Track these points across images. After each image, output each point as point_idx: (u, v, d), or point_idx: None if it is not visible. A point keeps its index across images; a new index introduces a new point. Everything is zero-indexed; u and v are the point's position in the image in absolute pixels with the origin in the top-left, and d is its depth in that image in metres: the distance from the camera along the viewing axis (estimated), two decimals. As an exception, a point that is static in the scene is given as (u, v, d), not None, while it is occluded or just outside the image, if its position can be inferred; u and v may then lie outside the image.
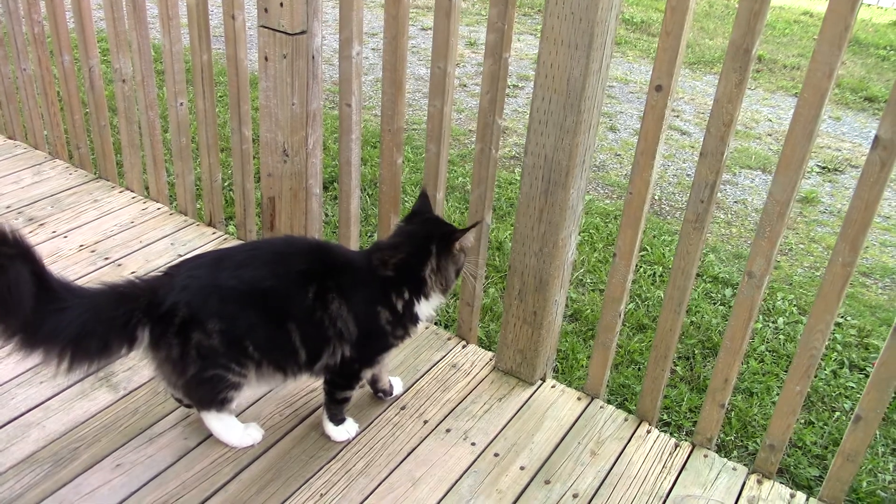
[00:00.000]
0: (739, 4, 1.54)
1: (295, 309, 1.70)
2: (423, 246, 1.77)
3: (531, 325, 2.07)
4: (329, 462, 1.87)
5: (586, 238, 3.74)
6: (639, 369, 2.86)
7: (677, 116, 5.86)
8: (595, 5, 1.64)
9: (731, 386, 1.90)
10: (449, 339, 2.32)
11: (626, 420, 2.07)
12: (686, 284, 1.84)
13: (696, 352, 3.00)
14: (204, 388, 1.76)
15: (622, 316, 2.01)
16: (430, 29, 6.96)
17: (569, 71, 1.73)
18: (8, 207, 2.84)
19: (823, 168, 4.97)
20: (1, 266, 1.46)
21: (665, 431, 2.07)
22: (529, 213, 1.93)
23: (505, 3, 1.85)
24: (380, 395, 2.05)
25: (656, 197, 4.60)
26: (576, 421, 2.05)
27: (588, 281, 3.43)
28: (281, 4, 2.05)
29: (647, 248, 3.78)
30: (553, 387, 2.16)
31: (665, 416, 2.57)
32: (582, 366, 2.86)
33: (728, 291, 3.50)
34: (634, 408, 2.55)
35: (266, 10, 2.10)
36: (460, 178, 4.24)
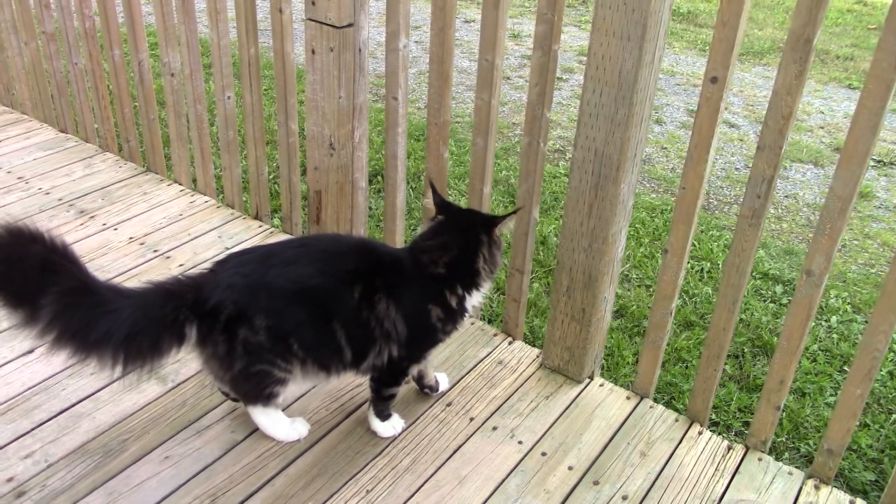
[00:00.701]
0: (802, -7, 1.48)
1: (341, 308, 1.69)
2: (473, 239, 1.75)
3: (579, 323, 2.04)
4: (375, 458, 1.86)
5: (632, 233, 3.68)
6: (686, 367, 2.81)
7: (726, 109, 5.73)
8: (649, -5, 1.59)
9: (787, 387, 1.84)
10: (495, 335, 2.29)
11: (676, 421, 2.02)
12: (741, 282, 1.79)
13: (746, 350, 2.93)
14: (250, 382, 1.76)
15: (672, 314, 1.96)
16: (473, 21, 6.93)
17: (621, 63, 1.68)
18: (60, 200, 2.89)
19: (878, 162, 4.82)
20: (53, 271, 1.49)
21: (714, 431, 2.02)
22: (578, 209, 1.90)
23: (555, -6, 1.82)
24: (426, 391, 2.04)
25: (704, 191, 4.51)
26: (625, 421, 2.01)
27: (634, 276, 3.37)
28: (328, -3, 2.04)
29: (695, 243, 3.70)
30: (601, 385, 2.12)
31: (713, 416, 2.51)
32: (627, 363, 2.81)
33: (779, 288, 3.41)
34: (682, 406, 2.51)
35: (313, 3, 2.09)
36: (504, 172, 4.20)
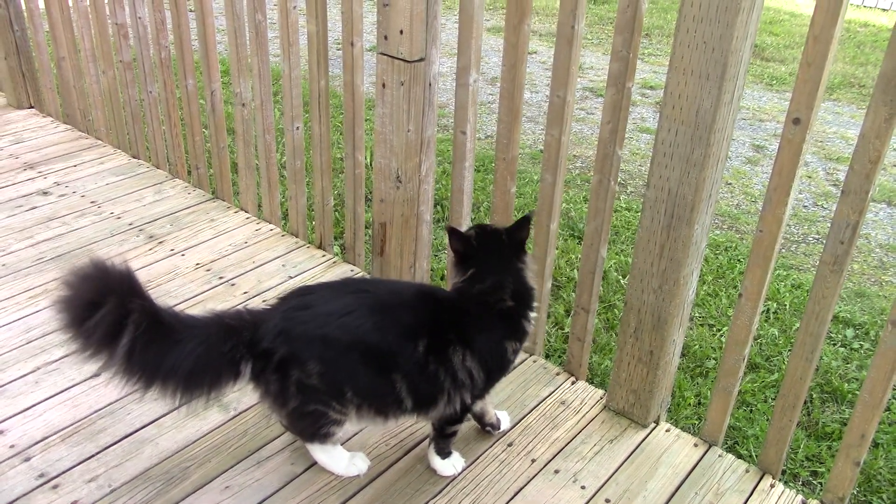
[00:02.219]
0: (893, 32, 1.43)
1: (402, 362, 1.66)
2: (515, 263, 1.77)
3: (646, 365, 1.98)
4: (434, 497, 1.82)
5: (697, 271, 3.59)
6: (750, 411, 2.72)
7: (793, 144, 5.60)
8: (730, 35, 1.56)
9: (868, 442, 1.75)
10: (557, 374, 2.25)
11: (747, 472, 1.94)
12: (821, 331, 1.71)
13: (815, 395, 2.82)
14: (305, 421, 1.76)
15: (746, 360, 1.89)
16: (534, 53, 6.93)
17: (698, 102, 1.65)
18: (130, 225, 2.96)
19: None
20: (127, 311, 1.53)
21: (780, 480, 1.93)
22: (649, 249, 1.85)
23: (630, 31, 1.79)
24: (487, 429, 2.01)
25: (782, 234, 4.39)
26: (692, 469, 1.94)
27: (696, 315, 3.29)
28: (401, 32, 2.05)
29: (762, 283, 3.60)
30: (668, 430, 2.06)
31: (784, 466, 2.42)
32: (689, 404, 2.73)
33: (850, 332, 3.29)
34: (746, 452, 2.42)
35: (386, 38, 2.10)
36: (563, 204, 4.17)
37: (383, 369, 1.66)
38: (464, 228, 2.33)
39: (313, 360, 1.64)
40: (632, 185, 4.71)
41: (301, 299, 1.72)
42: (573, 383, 2.22)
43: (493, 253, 1.77)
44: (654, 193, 1.79)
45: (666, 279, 1.85)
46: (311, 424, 1.76)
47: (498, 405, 2.10)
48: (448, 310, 1.75)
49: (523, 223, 1.76)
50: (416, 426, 2.02)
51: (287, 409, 1.72)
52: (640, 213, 4.36)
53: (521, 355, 2.31)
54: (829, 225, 4.31)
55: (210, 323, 1.67)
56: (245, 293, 2.56)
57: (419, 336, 1.66)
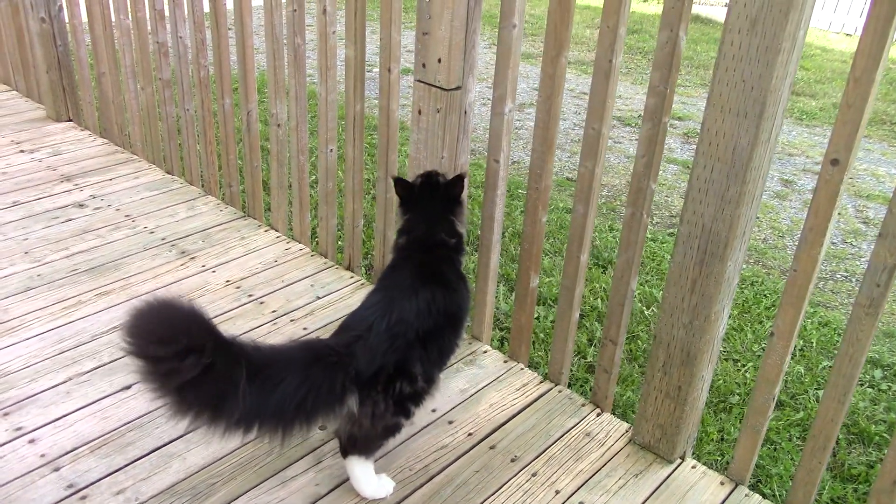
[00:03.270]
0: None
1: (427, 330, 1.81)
2: (447, 210, 2.02)
3: (674, 401, 1.97)
4: (458, 525, 1.82)
5: (724, 305, 3.57)
6: (774, 449, 2.68)
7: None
8: (769, 74, 1.57)
9: (900, 488, 1.73)
10: (583, 405, 2.24)
11: (774, 512, 1.92)
12: (854, 373, 1.70)
13: (841, 436, 2.78)
14: (385, 436, 1.82)
15: (776, 399, 1.88)
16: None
17: (735, 140, 1.65)
18: (163, 240, 3.00)
19: None
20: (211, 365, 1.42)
21: (815, 527, 1.91)
22: (681, 284, 1.85)
23: (669, 67, 1.81)
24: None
25: (816, 275, 4.36)
26: (718, 508, 1.92)
27: (721, 349, 3.26)
28: (439, 60, 2.08)
29: (789, 319, 3.57)
30: (693, 467, 2.04)
31: (810, 508, 2.38)
32: (712, 439, 2.70)
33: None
34: (769, 491, 2.39)
35: (424, 66, 2.13)
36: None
37: (427, 343, 1.80)
38: (494, 256, 2.35)
39: (416, 363, 1.75)
40: (658, 216, 4.70)
41: (385, 317, 1.74)
42: (598, 415, 2.21)
43: (430, 202, 2.02)
44: (687, 229, 1.80)
45: (697, 315, 1.85)
46: (384, 438, 1.83)
47: (522, 433, 2.10)
48: (427, 264, 1.93)
49: (458, 180, 2.00)
50: (439, 452, 2.03)
51: (382, 425, 1.76)
52: (664, 244, 4.35)
53: (546, 385, 2.31)
54: (857, 263, 4.28)
55: (305, 359, 1.64)
56: (273, 311, 2.59)
57: (421, 294, 1.82)
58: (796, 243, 4.54)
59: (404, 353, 1.72)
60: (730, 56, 1.60)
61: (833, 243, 4.42)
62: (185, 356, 1.38)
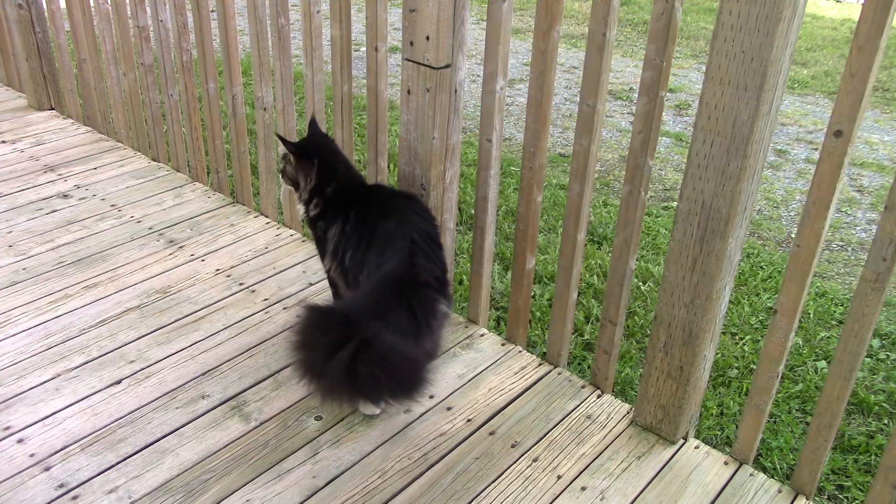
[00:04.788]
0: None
1: None
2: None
3: (676, 381, 1.93)
4: (459, 514, 1.79)
5: (721, 279, 3.54)
6: (774, 422, 2.66)
7: (816, 150, 5.53)
8: (770, 44, 1.51)
9: (908, 464, 1.70)
10: (583, 387, 2.21)
11: (779, 492, 1.89)
12: (859, 350, 1.66)
13: (843, 409, 2.76)
14: None
15: (780, 377, 1.84)
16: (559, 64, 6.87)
17: (735, 113, 1.60)
18: (150, 229, 2.94)
19: None
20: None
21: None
22: (681, 262, 1.81)
23: (665, 40, 1.75)
24: None
25: (792, 235, 4.33)
26: (723, 488, 1.89)
27: (723, 326, 3.23)
28: (427, 38, 2.02)
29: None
30: (697, 447, 2.01)
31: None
32: (712, 414, 2.68)
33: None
34: (770, 464, 2.37)
35: (412, 44, 2.07)
36: (586, 211, 4.12)
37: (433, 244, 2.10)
38: (489, 237, 2.30)
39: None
40: (652, 190, 4.66)
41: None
42: (599, 396, 2.17)
43: (333, 152, 2.20)
44: (686, 206, 1.75)
45: (698, 293, 1.81)
46: None
47: (522, 418, 2.07)
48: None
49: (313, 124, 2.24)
50: (438, 440, 1.99)
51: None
52: (658, 218, 4.30)
53: (545, 367, 2.27)
54: (852, 232, 4.22)
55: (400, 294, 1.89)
56: (265, 300, 2.54)
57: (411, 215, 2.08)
58: (791, 214, 4.54)
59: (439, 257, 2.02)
60: (728, 26, 1.55)
61: (837, 217, 4.38)
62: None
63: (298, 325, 1.79)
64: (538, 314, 3.15)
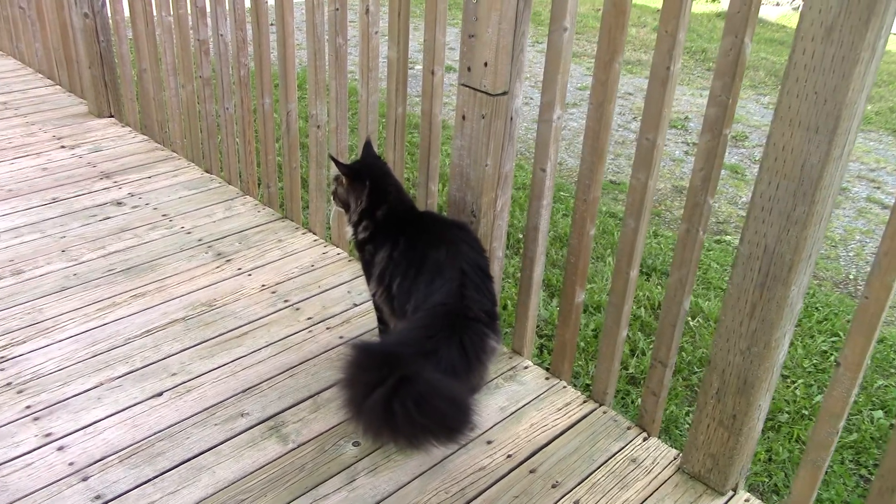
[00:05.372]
0: None
1: None
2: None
3: (728, 430, 1.86)
4: (495, 555, 1.74)
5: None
6: (826, 473, 2.55)
7: (878, 188, 5.37)
8: (845, 86, 1.44)
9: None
10: (628, 428, 2.13)
11: (834, 553, 1.80)
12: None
13: None
14: None
15: (839, 433, 1.76)
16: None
17: (805, 156, 1.53)
18: (200, 241, 2.96)
19: None
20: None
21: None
22: (739, 307, 1.74)
23: (732, 76, 1.69)
24: None
25: (851, 276, 4.19)
26: (773, 546, 1.80)
27: (775, 368, 3.12)
28: (485, 64, 1.99)
29: (839, 333, 3.42)
30: (747, 501, 1.92)
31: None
32: (759, 460, 2.60)
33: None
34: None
35: (469, 69, 2.04)
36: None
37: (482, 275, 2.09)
38: (538, 268, 2.25)
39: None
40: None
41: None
42: (645, 440, 2.10)
43: (384, 174, 2.18)
44: (747, 249, 1.68)
45: (756, 341, 1.73)
46: None
47: (564, 457, 2.01)
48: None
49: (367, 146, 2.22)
50: (477, 475, 1.94)
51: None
52: (710, 252, 4.19)
53: (590, 405, 2.21)
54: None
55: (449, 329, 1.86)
56: (309, 318, 2.52)
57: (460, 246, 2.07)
58: (850, 254, 4.39)
59: (489, 289, 2.00)
60: (801, 66, 1.48)
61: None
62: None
63: (344, 362, 1.77)
64: (582, 345, 3.08)
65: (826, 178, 1.54)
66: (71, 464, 1.91)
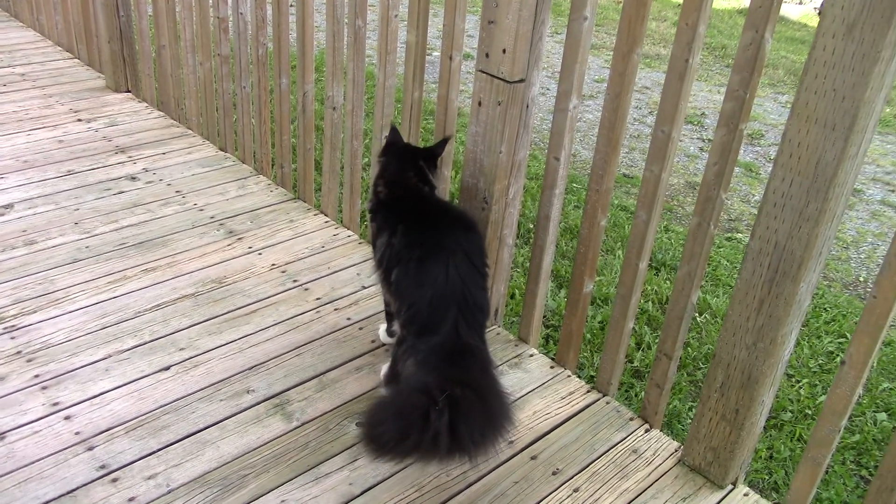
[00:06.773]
0: None
1: None
2: (418, 160, 2.11)
3: (730, 424, 1.86)
4: (494, 538, 1.75)
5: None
6: (826, 472, 2.56)
7: (893, 191, 5.33)
8: (864, 84, 1.44)
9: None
10: (631, 419, 2.14)
11: (831, 551, 1.80)
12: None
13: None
14: None
15: (841, 431, 1.76)
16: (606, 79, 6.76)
17: (820, 153, 1.53)
18: (212, 218, 2.97)
19: None
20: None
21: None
22: (747, 302, 1.74)
23: (750, 71, 1.68)
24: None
25: (861, 279, 4.17)
26: (771, 541, 1.81)
27: (781, 367, 3.12)
28: (504, 51, 1.99)
29: (846, 335, 3.41)
30: (746, 495, 1.93)
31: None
32: (760, 457, 2.61)
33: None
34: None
35: (487, 56, 2.04)
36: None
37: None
38: (547, 257, 2.26)
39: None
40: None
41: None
42: (647, 431, 2.11)
43: (404, 152, 2.14)
44: (758, 245, 1.68)
45: (762, 336, 1.73)
46: None
47: (565, 445, 2.02)
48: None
49: (443, 143, 2.15)
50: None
51: None
52: (720, 248, 4.18)
53: (594, 395, 2.22)
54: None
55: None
56: (318, 299, 2.54)
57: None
58: (861, 256, 4.37)
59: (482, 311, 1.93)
60: (821, 62, 1.48)
61: None
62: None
63: (369, 417, 1.71)
64: (588, 336, 3.08)
65: (840, 176, 1.53)
66: (77, 433, 1.93)
